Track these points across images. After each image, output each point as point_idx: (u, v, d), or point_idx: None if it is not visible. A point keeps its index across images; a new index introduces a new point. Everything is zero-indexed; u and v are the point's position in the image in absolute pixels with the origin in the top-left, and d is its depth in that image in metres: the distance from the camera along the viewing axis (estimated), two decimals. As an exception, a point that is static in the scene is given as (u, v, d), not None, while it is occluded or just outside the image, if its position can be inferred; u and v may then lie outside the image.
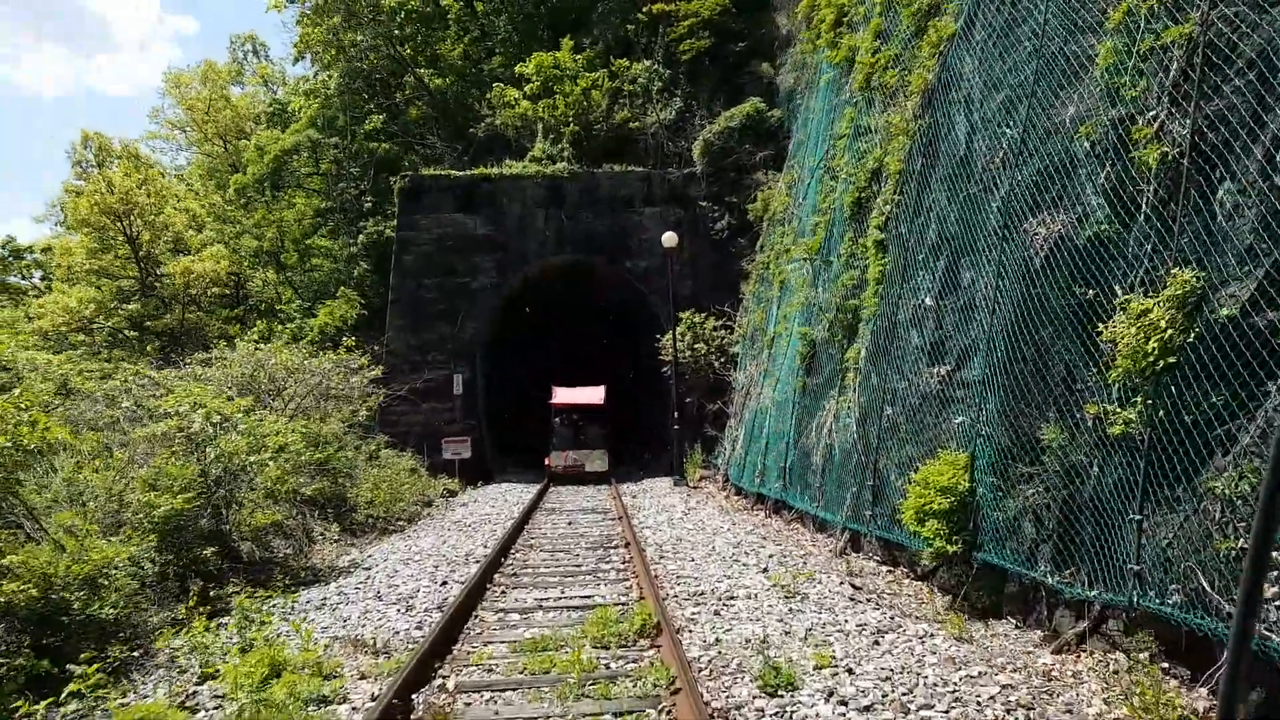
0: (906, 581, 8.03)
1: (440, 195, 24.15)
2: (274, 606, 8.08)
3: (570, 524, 14.10)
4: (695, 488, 19.58)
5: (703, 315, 22.24)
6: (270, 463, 10.34)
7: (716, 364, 21.63)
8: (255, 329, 15.84)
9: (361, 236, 26.55)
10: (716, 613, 7.21)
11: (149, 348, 27.15)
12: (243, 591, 9.32)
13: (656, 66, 25.83)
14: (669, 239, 20.51)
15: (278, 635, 6.88)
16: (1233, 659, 2.52)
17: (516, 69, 25.85)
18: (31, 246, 36.23)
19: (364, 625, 7.50)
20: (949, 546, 6.77)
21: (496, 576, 9.27)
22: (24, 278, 38.10)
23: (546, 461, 23.71)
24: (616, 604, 7.70)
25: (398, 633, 7.17)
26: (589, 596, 8.15)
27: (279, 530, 12.31)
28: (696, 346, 21.93)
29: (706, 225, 24.06)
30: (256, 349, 14.31)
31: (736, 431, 18.60)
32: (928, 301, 8.27)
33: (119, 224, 27.19)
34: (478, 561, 10.21)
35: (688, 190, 24.37)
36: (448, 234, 24.00)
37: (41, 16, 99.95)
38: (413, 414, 23.24)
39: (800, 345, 12.58)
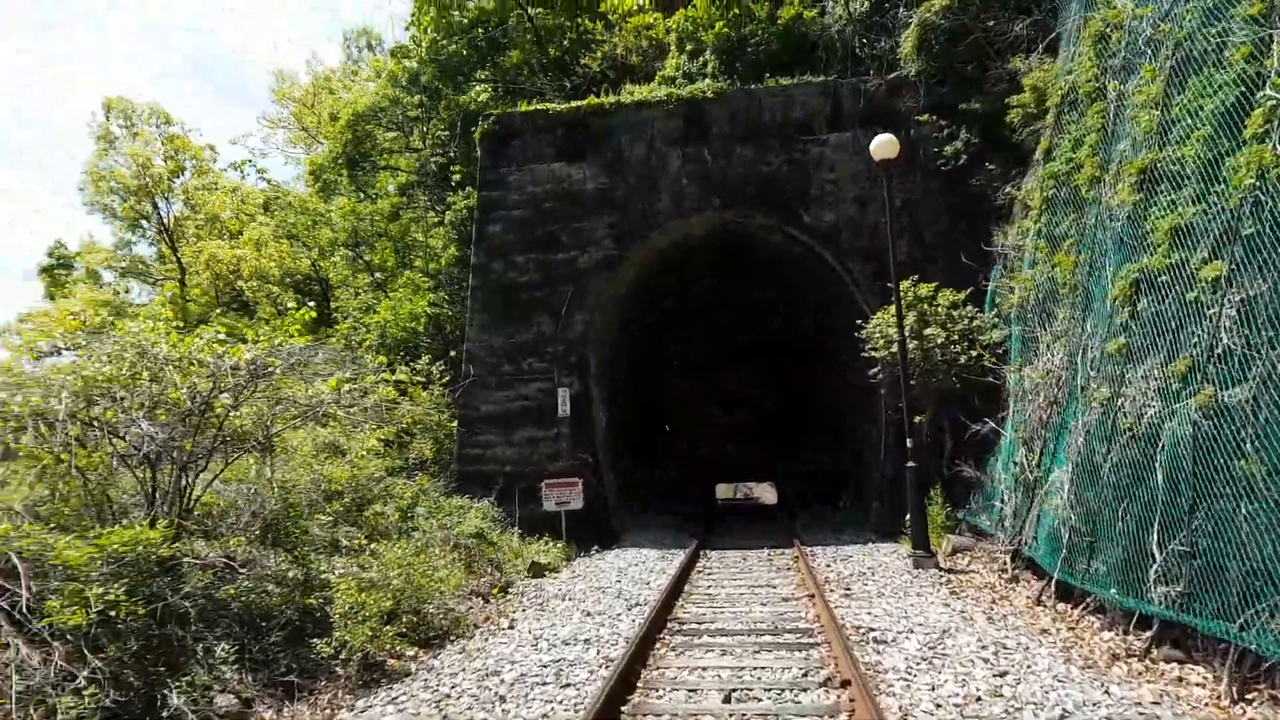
0: None
1: (536, 139, 17.25)
2: None
3: (726, 691, 6.32)
4: (952, 570, 11.16)
5: (931, 286, 13.92)
6: None
7: (966, 359, 13.17)
8: (159, 304, 9.12)
9: (449, 214, 20.09)
10: None
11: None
12: None
13: (839, -62, 17.91)
14: (882, 144, 12.36)
15: None
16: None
17: (642, -36, 18.77)
18: (80, 253, 32.16)
19: None
20: None
21: None
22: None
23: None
24: None
25: None
26: None
27: None
28: (927, 334, 13.56)
29: (928, 152, 15.72)
30: (150, 327, 7.63)
31: (1038, 471, 10.07)
32: None
33: (147, 206, 22.28)
34: None
35: (895, 103, 16.14)
36: (546, 192, 17.01)
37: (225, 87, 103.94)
38: (501, 445, 16.23)
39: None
